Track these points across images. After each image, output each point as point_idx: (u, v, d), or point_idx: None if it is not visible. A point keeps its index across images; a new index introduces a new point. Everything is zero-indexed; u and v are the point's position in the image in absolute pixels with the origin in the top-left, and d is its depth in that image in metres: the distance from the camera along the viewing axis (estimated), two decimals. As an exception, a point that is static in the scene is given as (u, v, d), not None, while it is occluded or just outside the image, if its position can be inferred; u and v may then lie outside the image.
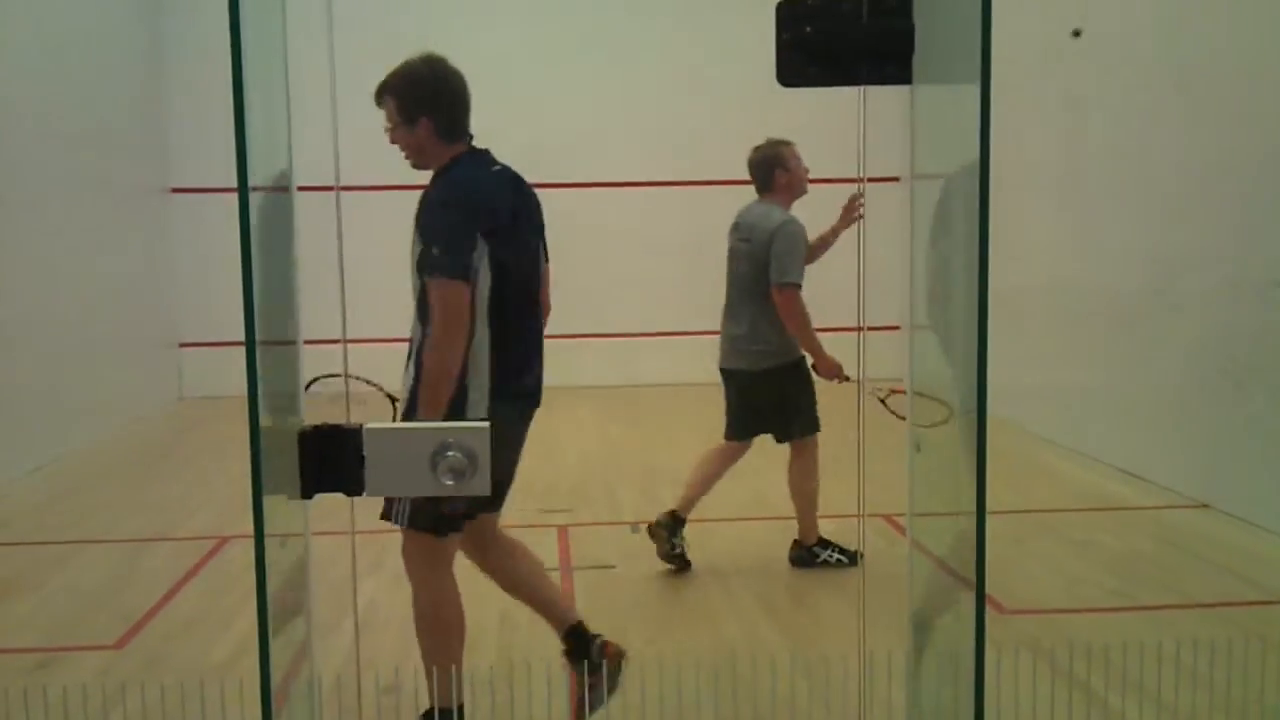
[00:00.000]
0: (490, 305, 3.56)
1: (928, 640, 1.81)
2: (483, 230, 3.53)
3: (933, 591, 1.80)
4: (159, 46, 11.03)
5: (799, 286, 5.32)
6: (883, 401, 4.58)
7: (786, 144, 5.57)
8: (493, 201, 3.63)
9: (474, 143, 3.74)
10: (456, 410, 3.53)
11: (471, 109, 3.74)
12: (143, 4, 10.86)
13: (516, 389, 3.76)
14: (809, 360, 5.53)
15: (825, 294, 10.70)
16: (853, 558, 5.61)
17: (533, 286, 3.78)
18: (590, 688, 3.75)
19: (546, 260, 3.96)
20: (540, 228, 3.87)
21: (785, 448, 5.74)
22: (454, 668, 3.63)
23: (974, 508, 1.61)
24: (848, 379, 5.48)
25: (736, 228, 5.70)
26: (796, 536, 5.68)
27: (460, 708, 3.69)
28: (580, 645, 3.86)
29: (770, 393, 5.59)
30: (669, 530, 5.53)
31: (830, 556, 5.63)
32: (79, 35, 9.25)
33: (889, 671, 2.60)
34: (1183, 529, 6.26)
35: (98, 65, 9.64)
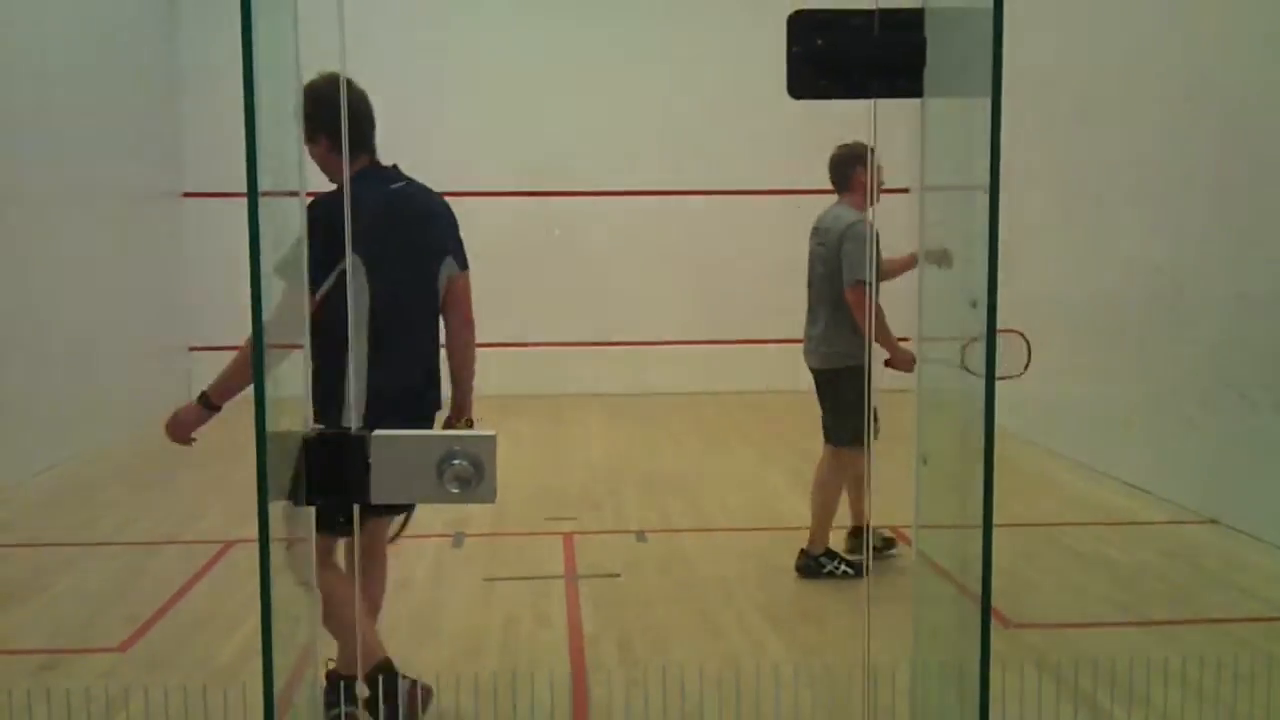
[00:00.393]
0: (369, 320, 3.66)
1: (932, 653, 1.80)
2: (356, 249, 3.56)
3: (939, 604, 1.80)
4: (173, 52, 11.08)
5: (866, 283, 5.26)
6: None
7: (865, 146, 5.51)
8: (362, 221, 3.53)
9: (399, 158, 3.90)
10: (332, 420, 3.37)
11: (375, 125, 3.77)
12: (158, 11, 10.91)
13: (397, 403, 3.70)
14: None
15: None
16: (859, 570, 5.59)
17: (422, 304, 3.87)
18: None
19: (461, 271, 4.04)
20: (442, 246, 3.91)
21: (806, 455, 5.68)
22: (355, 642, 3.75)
23: (980, 521, 1.60)
24: None
25: (815, 231, 5.72)
26: (804, 545, 5.65)
27: (354, 678, 3.78)
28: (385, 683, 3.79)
29: (830, 393, 5.59)
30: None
31: (836, 568, 5.60)
32: (94, 41, 9.29)
33: (893, 684, 2.59)
34: (1190, 544, 6.24)
35: (112, 71, 9.67)
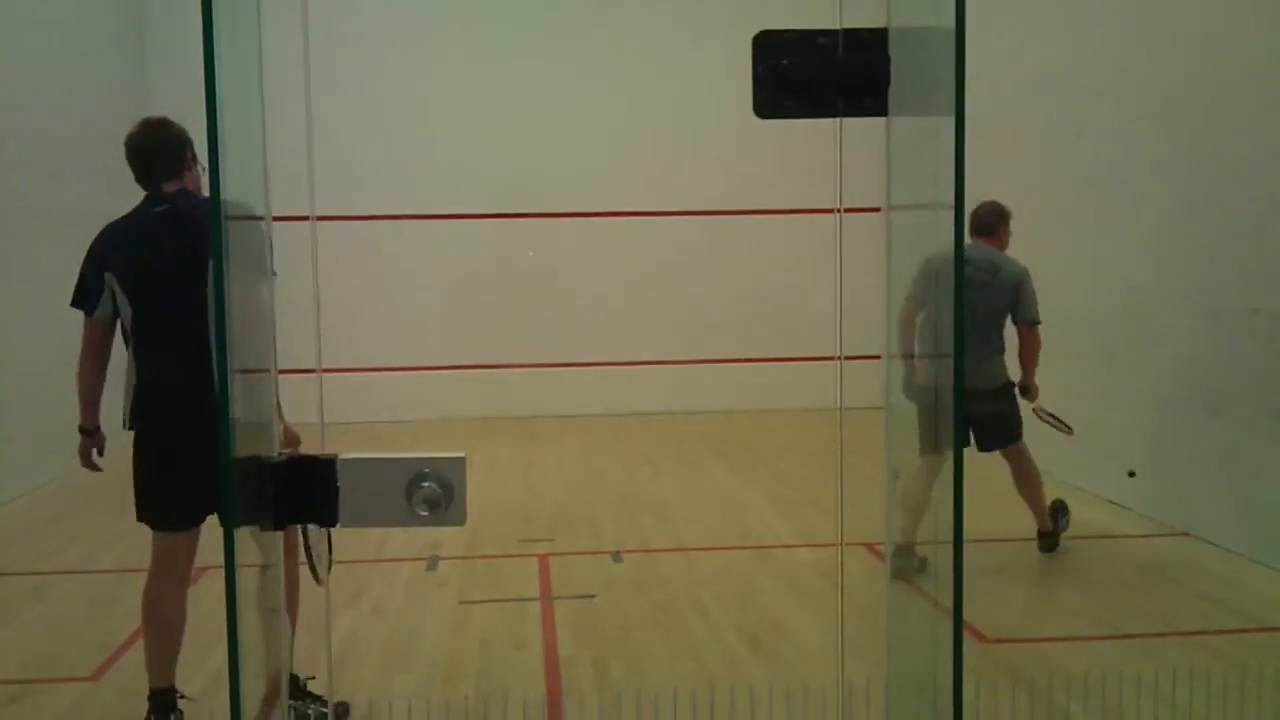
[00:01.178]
0: (128, 335, 4.06)
1: (907, 669, 1.80)
2: (108, 268, 4.03)
3: (912, 619, 1.80)
4: (142, 72, 11.03)
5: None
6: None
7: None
8: (112, 245, 4.10)
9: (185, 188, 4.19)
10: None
11: (142, 167, 4.21)
12: (127, 39, 10.87)
13: (146, 412, 4.02)
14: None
15: (804, 323, 10.79)
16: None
17: (170, 319, 3.98)
18: None
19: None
20: (198, 262, 3.94)
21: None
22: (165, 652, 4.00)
23: (952, 536, 1.61)
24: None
25: (969, 262, 5.94)
26: (1040, 529, 6.18)
27: (171, 689, 3.99)
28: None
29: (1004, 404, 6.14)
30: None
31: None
32: (65, 68, 9.24)
33: (868, 701, 2.59)
34: (1163, 557, 6.27)
35: (80, 93, 9.61)
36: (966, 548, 1.61)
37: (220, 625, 1.43)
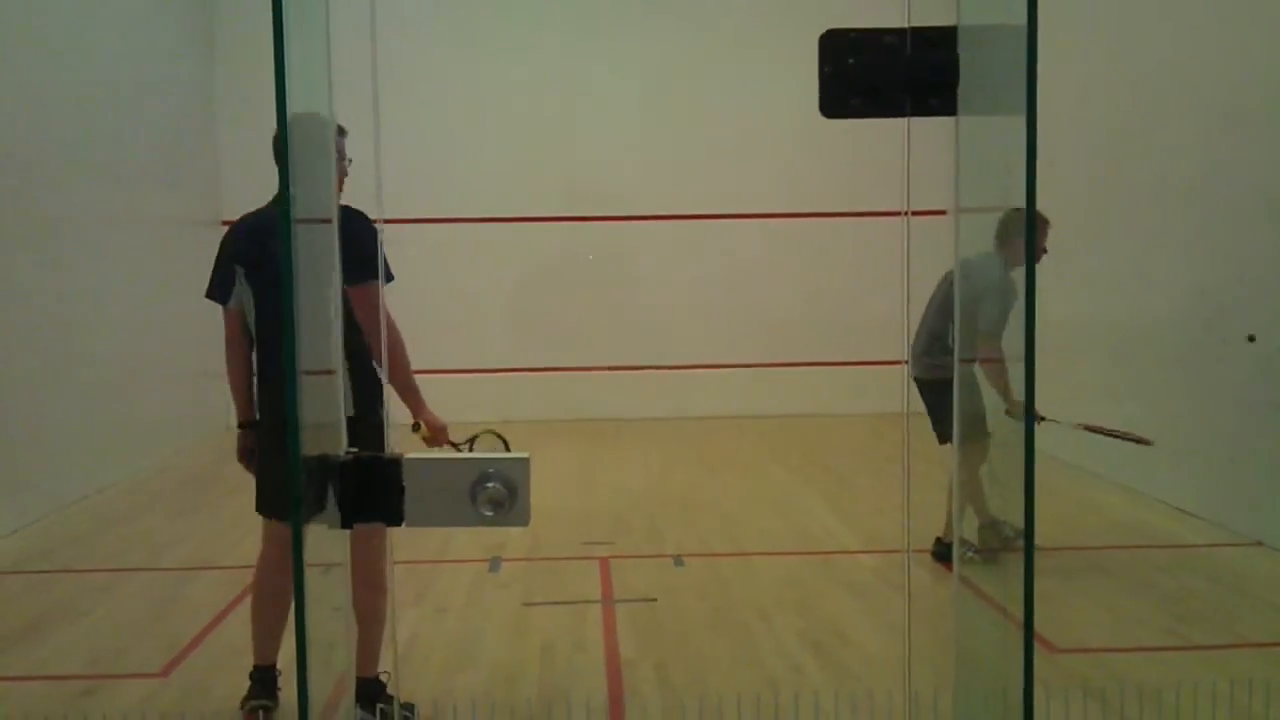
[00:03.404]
0: (256, 334, 4.14)
1: (975, 679, 1.77)
2: (238, 261, 4.12)
3: (981, 628, 1.77)
4: (210, 81, 11.23)
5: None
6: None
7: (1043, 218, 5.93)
8: (242, 238, 4.13)
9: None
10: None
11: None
12: (195, 41, 11.07)
13: (268, 405, 4.14)
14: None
15: (867, 327, 10.69)
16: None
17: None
18: None
19: (355, 285, 3.86)
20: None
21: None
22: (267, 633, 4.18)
23: (1021, 540, 1.58)
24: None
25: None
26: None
27: (273, 667, 4.19)
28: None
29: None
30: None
31: (966, 553, 5.87)
32: (133, 72, 9.44)
33: (935, 710, 2.56)
34: (1235, 567, 6.14)
35: (147, 99, 9.80)
36: (1016, 551, 1.58)
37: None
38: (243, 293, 4.10)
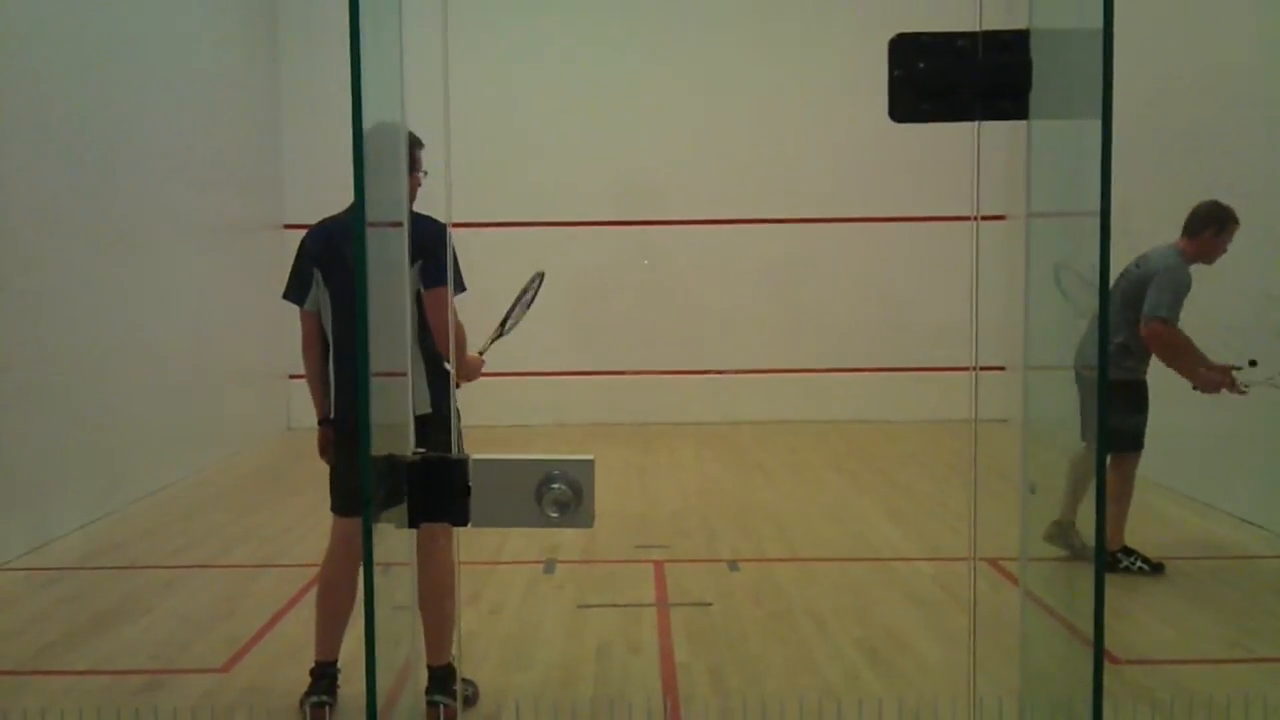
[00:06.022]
0: (329, 330, 4.22)
1: (1041, 690, 1.75)
2: (316, 264, 4.19)
3: (1046, 639, 1.75)
4: (275, 86, 11.39)
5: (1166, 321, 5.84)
6: None
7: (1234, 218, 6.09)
8: (321, 241, 4.20)
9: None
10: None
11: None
12: (260, 44, 11.23)
13: (343, 405, 4.21)
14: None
15: (925, 333, 10.58)
16: (1156, 567, 5.95)
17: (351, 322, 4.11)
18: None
19: (428, 289, 4.04)
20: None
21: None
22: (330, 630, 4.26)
23: (1091, 551, 1.56)
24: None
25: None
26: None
27: (333, 663, 4.27)
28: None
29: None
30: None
31: (1133, 564, 5.93)
32: (200, 76, 9.59)
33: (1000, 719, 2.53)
34: (1304, 580, 6.02)
35: (218, 105, 9.97)
36: (1085, 562, 1.57)
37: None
38: (319, 295, 4.19)
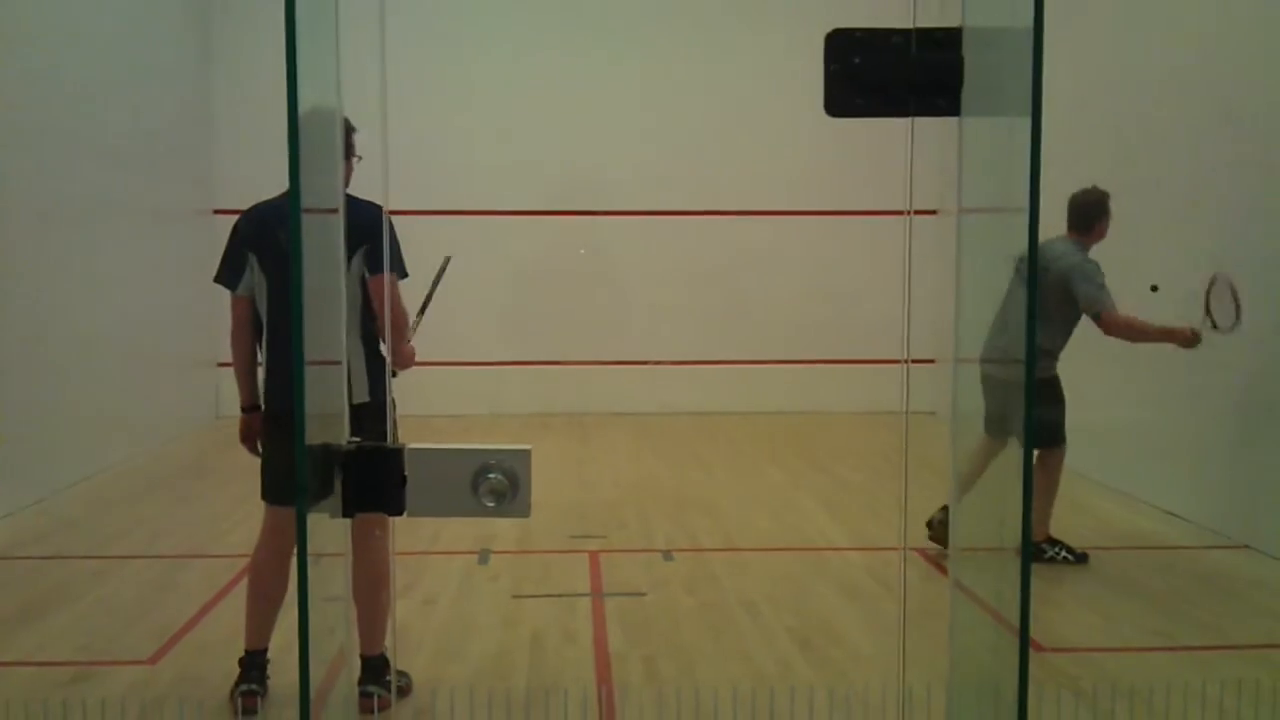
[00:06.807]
0: (261, 316, 4.17)
1: (969, 677, 1.79)
2: (251, 248, 4.14)
3: (975, 628, 1.78)
4: (205, 68, 11.21)
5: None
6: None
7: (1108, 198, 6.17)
8: (257, 224, 4.14)
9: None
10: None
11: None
12: (190, 26, 11.04)
13: (275, 392, 4.19)
14: None
15: (857, 326, 10.71)
16: (1080, 558, 6.09)
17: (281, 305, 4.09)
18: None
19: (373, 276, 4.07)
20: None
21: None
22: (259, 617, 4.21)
23: (1018, 543, 1.59)
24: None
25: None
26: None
27: (263, 652, 4.22)
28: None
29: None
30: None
31: (1058, 554, 6.05)
32: (126, 57, 9.41)
33: (928, 708, 2.57)
34: (1223, 570, 6.17)
35: (144, 87, 9.77)
36: (1012, 553, 1.60)
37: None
38: (254, 279, 4.12)
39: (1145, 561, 6.34)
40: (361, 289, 3.98)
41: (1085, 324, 6.10)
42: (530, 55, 11.34)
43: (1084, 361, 7.78)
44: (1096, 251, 6.18)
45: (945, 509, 5.90)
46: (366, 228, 4.06)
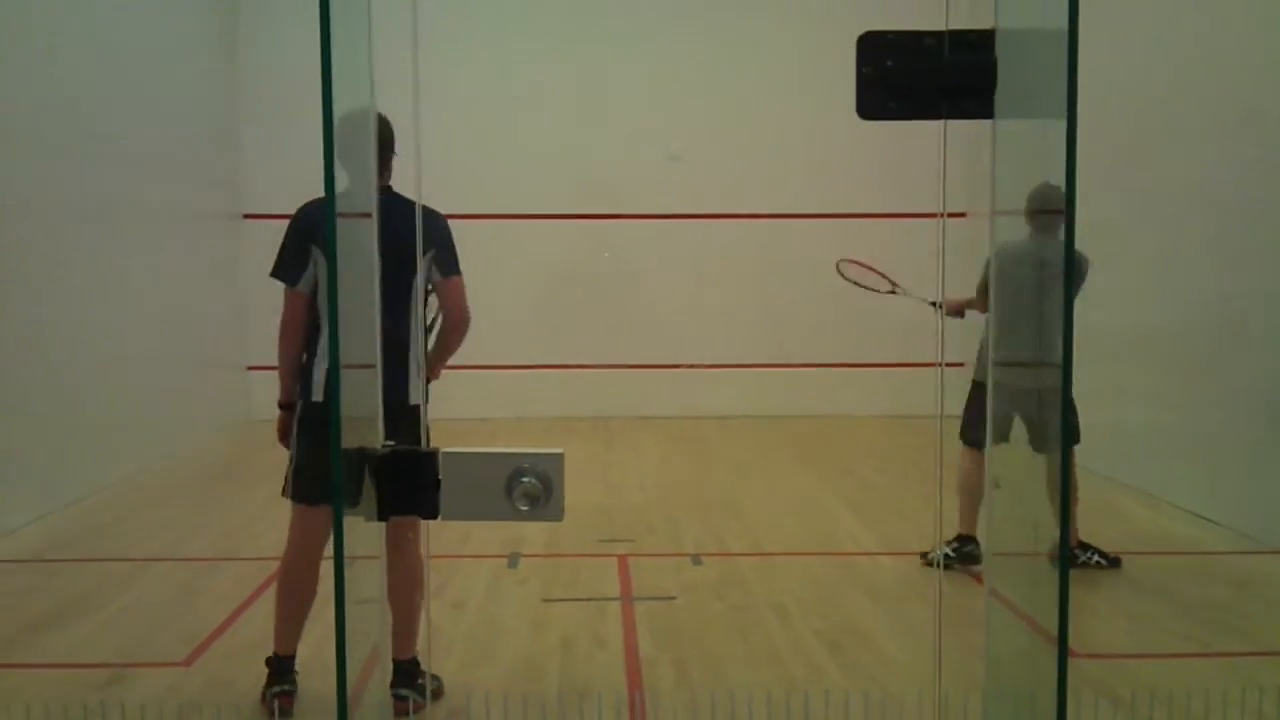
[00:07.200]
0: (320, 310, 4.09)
1: (1005, 683, 1.78)
2: (315, 241, 4.05)
3: (1011, 633, 1.77)
4: (233, 74, 11.28)
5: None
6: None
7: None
8: (315, 224, 4.08)
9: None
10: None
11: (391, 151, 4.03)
12: (218, 31, 11.13)
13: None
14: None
15: (884, 329, 10.67)
16: (1113, 561, 6.00)
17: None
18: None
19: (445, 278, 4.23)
20: (400, 257, 4.14)
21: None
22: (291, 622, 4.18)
23: (1055, 548, 1.58)
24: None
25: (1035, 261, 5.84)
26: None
27: (292, 657, 4.18)
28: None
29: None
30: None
31: (1090, 558, 5.97)
32: (156, 62, 9.49)
33: (965, 714, 2.56)
34: (1257, 575, 6.11)
35: (174, 92, 9.86)
36: (1048, 558, 1.59)
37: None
38: (318, 274, 4.04)
39: (1177, 566, 6.28)
40: (424, 294, 4.07)
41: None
42: (556, 58, 11.36)
43: (1114, 360, 7.74)
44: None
45: (959, 539, 5.86)
46: (437, 233, 4.12)
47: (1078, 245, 5.19)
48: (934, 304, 5.81)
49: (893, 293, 6.27)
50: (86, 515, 7.38)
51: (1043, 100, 1.62)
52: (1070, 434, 5.97)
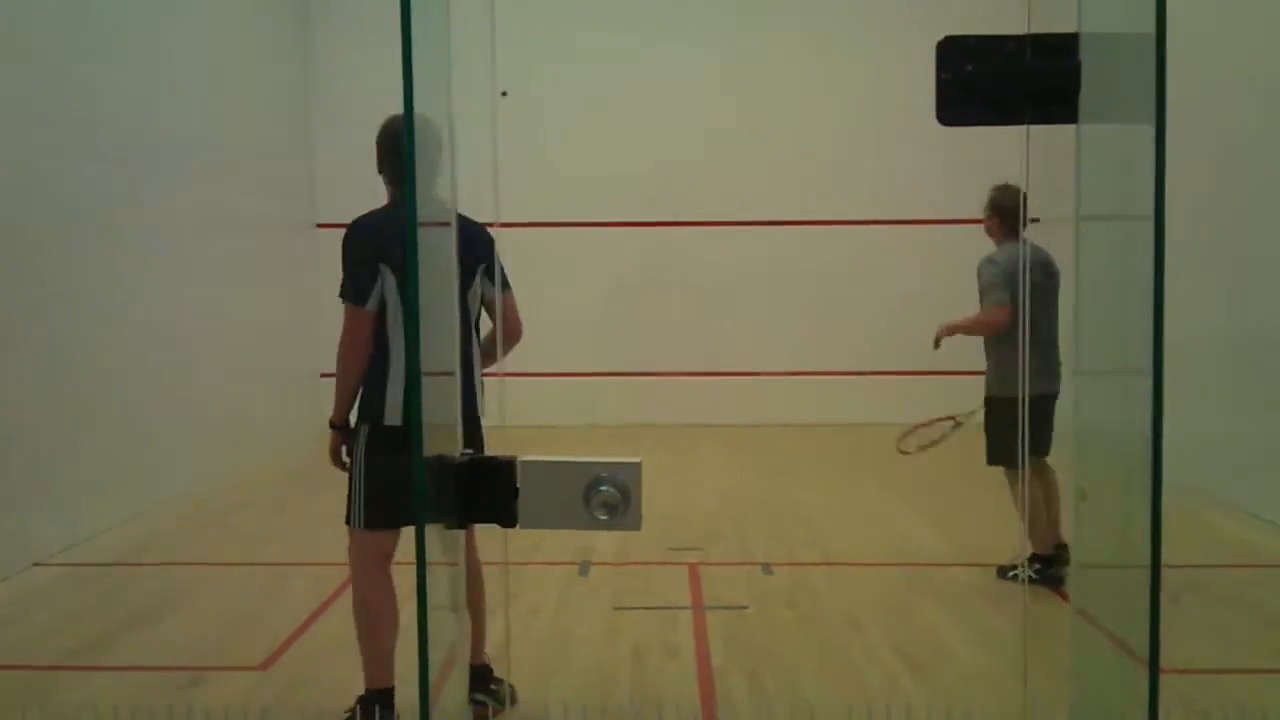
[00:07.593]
0: (390, 329, 3.96)
1: (1093, 700, 1.74)
2: (386, 260, 3.92)
3: (1099, 648, 1.74)
4: (307, 84, 11.46)
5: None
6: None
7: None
8: (390, 237, 3.92)
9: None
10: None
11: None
12: (292, 42, 11.31)
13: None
14: None
15: (960, 337, 10.47)
16: (1056, 580, 5.74)
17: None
18: None
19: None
20: (470, 268, 4.14)
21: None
22: (385, 653, 3.99)
23: (1144, 562, 1.55)
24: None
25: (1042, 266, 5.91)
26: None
27: (390, 690, 3.96)
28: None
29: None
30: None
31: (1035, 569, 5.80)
32: (231, 74, 9.66)
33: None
34: (1347, 589, 5.94)
35: (249, 104, 10.04)
36: (1137, 573, 1.56)
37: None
38: (387, 293, 3.90)
39: (1261, 579, 6.13)
40: (485, 308, 4.09)
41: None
42: (623, 63, 11.40)
43: (1198, 367, 7.58)
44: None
45: (1034, 558, 5.76)
46: (485, 246, 4.14)
47: (1047, 251, 5.14)
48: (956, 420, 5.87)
49: (958, 426, 6.25)
50: (163, 521, 7.52)
51: (1130, 104, 1.59)
52: (1044, 444, 5.95)
